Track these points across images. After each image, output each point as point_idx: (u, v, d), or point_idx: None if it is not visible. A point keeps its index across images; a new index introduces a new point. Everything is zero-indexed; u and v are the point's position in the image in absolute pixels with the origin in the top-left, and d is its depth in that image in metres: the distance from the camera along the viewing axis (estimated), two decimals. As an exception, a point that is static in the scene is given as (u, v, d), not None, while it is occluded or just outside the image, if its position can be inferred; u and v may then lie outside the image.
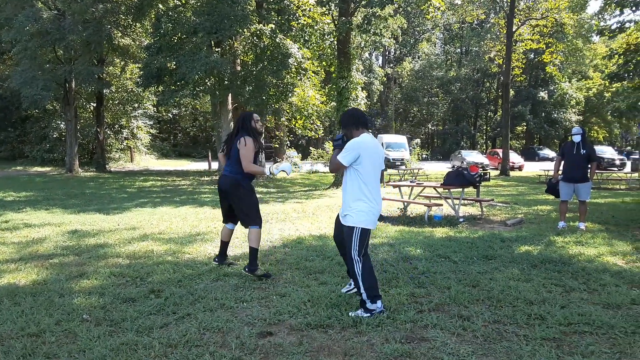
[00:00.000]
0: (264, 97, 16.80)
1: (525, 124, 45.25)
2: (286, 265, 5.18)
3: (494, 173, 25.78)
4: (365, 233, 3.56)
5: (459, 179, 8.12)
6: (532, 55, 38.96)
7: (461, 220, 8.10)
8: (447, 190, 8.44)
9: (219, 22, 14.32)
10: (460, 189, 8.39)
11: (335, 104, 17.96)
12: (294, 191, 15.46)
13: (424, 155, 32.03)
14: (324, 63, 21.29)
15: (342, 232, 3.72)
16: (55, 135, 26.88)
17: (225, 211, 5.01)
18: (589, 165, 7.29)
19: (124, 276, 4.76)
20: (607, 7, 18.63)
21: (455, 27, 48.25)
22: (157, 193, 14.45)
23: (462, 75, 49.10)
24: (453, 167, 31.97)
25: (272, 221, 8.65)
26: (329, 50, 19.42)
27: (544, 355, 2.83)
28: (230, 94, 16.89)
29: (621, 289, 4.04)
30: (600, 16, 22.08)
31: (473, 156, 32.22)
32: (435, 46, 55.14)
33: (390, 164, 27.23)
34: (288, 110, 20.60)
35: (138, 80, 20.71)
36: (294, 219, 8.97)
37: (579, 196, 7.34)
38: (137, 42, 21.49)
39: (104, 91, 23.77)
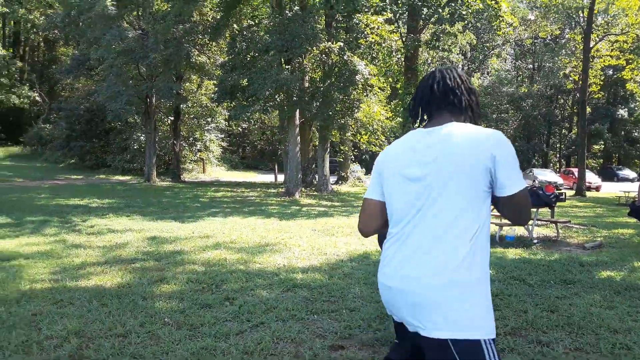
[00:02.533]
0: (330, 113, 17.07)
1: (602, 142, 42.71)
2: (354, 279, 5.23)
3: (569, 193, 24.49)
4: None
5: (534, 198, 7.82)
6: (610, 72, 36.90)
7: (535, 241, 7.79)
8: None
9: (290, 41, 14.79)
10: (535, 209, 8.09)
11: (401, 119, 17.94)
12: (358, 205, 15.49)
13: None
14: (390, 79, 21.35)
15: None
16: (135, 147, 28.65)
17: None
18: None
19: (200, 282, 5.01)
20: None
21: (527, 42, 46.66)
22: (227, 203, 14.99)
23: (534, 91, 47.20)
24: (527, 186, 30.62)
25: (338, 234, 8.75)
26: (395, 66, 19.47)
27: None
28: (298, 110, 17.32)
29: None
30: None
31: (546, 175, 30.83)
32: (505, 62, 53.49)
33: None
34: (353, 126, 20.77)
35: (212, 95, 21.73)
36: (356, 233, 9.01)
37: (667, 221, 6.87)
38: (212, 60, 22.60)
39: (181, 106, 25.13)
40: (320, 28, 16.33)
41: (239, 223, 10.08)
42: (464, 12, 13.47)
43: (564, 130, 50.63)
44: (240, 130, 41.76)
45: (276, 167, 30.05)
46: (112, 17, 17.18)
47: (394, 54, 17.42)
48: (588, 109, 45.40)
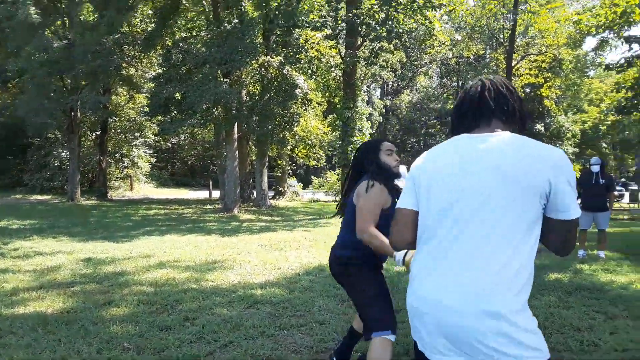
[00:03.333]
0: (269, 127, 16.93)
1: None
2: (315, 293, 5.10)
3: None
4: None
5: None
6: (527, 89, 39.74)
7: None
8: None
9: (228, 54, 14.54)
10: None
11: (339, 134, 18.14)
12: (298, 219, 15.39)
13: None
14: (327, 94, 21.61)
15: None
16: (56, 164, 26.80)
17: None
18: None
19: (153, 304, 4.66)
20: (603, 44, 19.28)
21: (452, 61, 49.33)
22: (162, 221, 14.33)
23: (459, 107, 49.88)
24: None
25: (286, 249, 8.59)
26: (333, 82, 19.74)
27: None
28: (236, 124, 17.02)
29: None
30: (596, 53, 22.68)
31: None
32: (432, 79, 56.14)
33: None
34: (292, 140, 20.75)
35: (142, 109, 20.86)
36: (307, 246, 8.92)
37: (598, 225, 7.35)
38: (142, 73, 21.74)
39: (109, 120, 23.89)
40: (259, 42, 16.23)
41: (179, 241, 9.62)
42: (400, 30, 13.90)
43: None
44: (169, 145, 40.43)
45: (210, 183, 29.30)
46: (36, 26, 16.02)
47: (332, 69, 17.64)
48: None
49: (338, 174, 25.89)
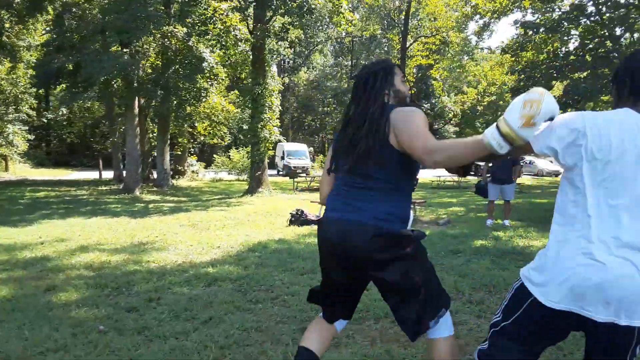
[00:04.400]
0: (174, 102, 16.18)
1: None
2: (271, 268, 5.15)
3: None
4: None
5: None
6: (414, 70, 42.28)
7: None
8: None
9: (130, 22, 13.52)
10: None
11: (249, 110, 17.86)
12: (207, 199, 15.04)
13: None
14: (232, 69, 21.08)
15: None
16: None
17: (340, 296, 2.15)
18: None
19: (103, 287, 4.40)
20: (484, 28, 21.25)
21: (347, 40, 50.47)
22: (56, 204, 13.17)
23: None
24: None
25: (212, 228, 8.43)
26: (239, 56, 19.28)
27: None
28: (137, 98, 16.00)
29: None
30: (479, 36, 24.78)
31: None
32: (327, 58, 57.09)
33: (292, 172, 27.59)
34: (197, 117, 20.02)
35: (30, 80, 18.64)
36: (233, 225, 8.83)
37: (504, 196, 8.23)
38: (22, 40, 19.36)
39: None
40: (163, 10, 15.28)
41: (88, 224, 8.96)
42: (312, 6, 13.94)
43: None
44: (44, 122, 36.62)
45: (100, 162, 27.23)
46: None
47: (240, 43, 17.21)
48: (397, 104, 51.22)
49: (242, 152, 25.56)
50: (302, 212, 8.81)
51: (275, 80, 18.95)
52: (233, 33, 15.75)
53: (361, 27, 29.05)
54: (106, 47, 13.63)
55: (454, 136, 49.80)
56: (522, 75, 14.16)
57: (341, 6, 15.57)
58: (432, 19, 26.69)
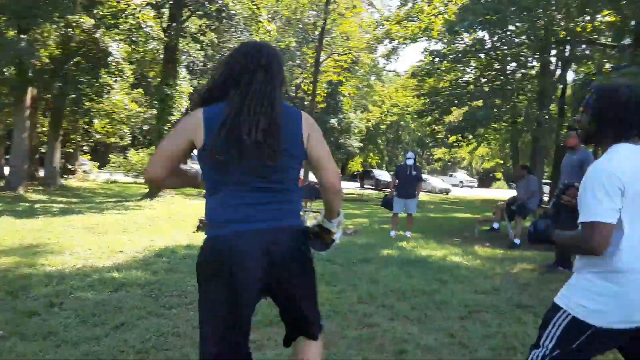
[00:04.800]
0: (73, 96, 15.09)
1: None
2: (183, 273, 4.98)
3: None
4: (592, 335, 1.72)
5: (312, 192, 8.83)
6: (325, 85, 43.40)
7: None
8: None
9: (28, 7, 12.40)
10: (310, 201, 9.11)
11: (156, 111, 17.16)
12: (101, 202, 14.11)
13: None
14: (138, 67, 20.17)
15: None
16: None
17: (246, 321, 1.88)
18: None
19: (-6, 291, 3.99)
20: (392, 52, 22.61)
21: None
22: None
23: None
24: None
25: (110, 232, 7.95)
26: (148, 54, 18.49)
27: (459, 324, 3.55)
28: (30, 89, 14.67)
29: (480, 280, 5.16)
30: (387, 59, 26.23)
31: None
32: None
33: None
34: (96, 114, 18.80)
35: None
36: (132, 230, 8.42)
37: (408, 209, 8.75)
38: None
39: None
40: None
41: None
42: (232, 11, 13.82)
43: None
44: None
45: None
46: None
47: (151, 41, 16.53)
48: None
49: (142, 154, 24.34)
50: (212, 217, 8.63)
51: (186, 82, 18.42)
52: (144, 30, 15.12)
53: (276, 37, 29.27)
54: (0, 31, 12.34)
55: (358, 151, 51.70)
56: (427, 99, 15.24)
57: (260, 15, 15.61)
58: (345, 38, 27.65)
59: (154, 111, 17.49)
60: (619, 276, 1.68)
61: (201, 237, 5.68)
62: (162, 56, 17.28)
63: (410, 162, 8.66)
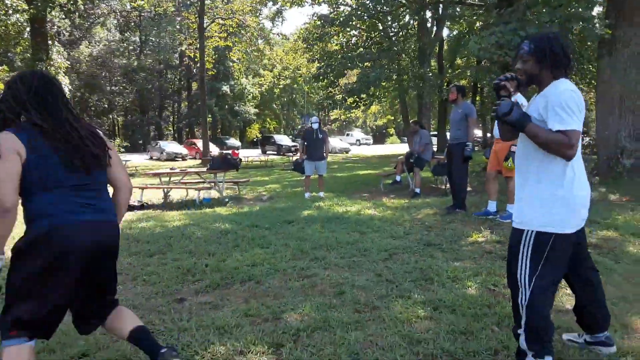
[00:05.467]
0: None
1: (211, 115, 48.42)
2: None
3: (193, 162, 27.29)
4: (559, 242, 2.16)
5: (225, 162, 8.93)
6: (211, 51, 41.92)
7: (226, 200, 8.96)
8: (212, 175, 9.13)
9: None
10: (223, 172, 9.22)
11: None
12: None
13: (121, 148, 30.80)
14: (2, 42, 18.09)
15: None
16: None
17: (73, 299, 2.20)
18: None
19: None
20: (276, 16, 22.68)
21: (133, 15, 47.07)
22: None
23: (146, 65, 48.63)
24: (152, 157, 31.91)
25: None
26: (12, 28, 16.66)
27: (382, 265, 4.12)
28: None
29: (393, 227, 5.81)
30: (273, 21, 26.15)
31: (172, 146, 32.98)
32: (111, 32, 52.38)
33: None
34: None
35: None
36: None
37: (319, 171, 9.25)
38: None
39: None
40: None
41: None
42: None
43: (175, 104, 54.35)
44: None
45: None
46: None
47: (12, 14, 14.92)
48: (194, 85, 50.32)
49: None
50: (123, 198, 8.43)
51: (62, 56, 17.04)
52: (6, 2, 13.63)
53: (152, 2, 27.61)
54: None
55: (255, 117, 51.30)
56: (322, 63, 15.69)
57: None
58: (227, 1, 26.94)
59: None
60: (564, 185, 2.14)
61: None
62: (28, 29, 15.81)
63: (315, 126, 9.09)
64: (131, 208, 8.23)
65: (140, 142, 48.40)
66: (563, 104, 2.08)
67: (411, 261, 4.34)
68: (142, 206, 8.55)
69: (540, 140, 2.10)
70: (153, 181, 11.33)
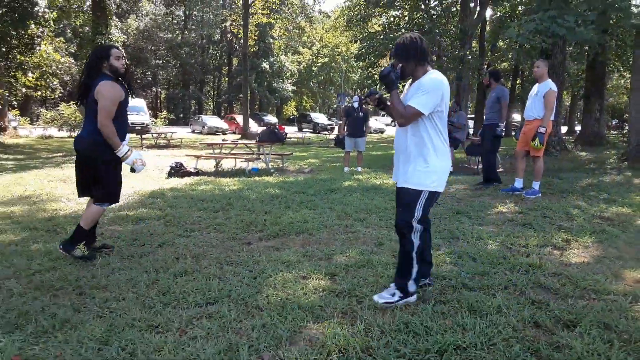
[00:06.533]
0: (4, 49, 14.55)
1: (250, 91, 49.41)
2: (184, 208, 5.85)
3: (233, 137, 28.31)
4: (434, 197, 2.93)
5: (272, 136, 9.70)
6: (254, 27, 42.57)
7: (272, 170, 9.76)
8: (260, 147, 9.92)
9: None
10: (270, 145, 10.00)
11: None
12: (49, 157, 14.07)
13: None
14: (64, 15, 19.27)
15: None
16: None
17: (80, 182, 3.88)
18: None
19: (36, 230, 4.69)
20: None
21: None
22: None
23: (190, 40, 49.81)
24: (194, 131, 33.13)
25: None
26: (74, 1, 17.77)
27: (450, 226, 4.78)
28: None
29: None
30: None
31: (214, 121, 34.08)
32: (157, 6, 53.76)
33: (130, 129, 26.40)
34: (28, 67, 18.04)
35: None
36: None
37: (358, 147, 9.91)
38: None
39: None
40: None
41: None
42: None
43: (216, 79, 55.67)
44: None
45: None
46: None
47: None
48: (235, 61, 51.33)
49: (74, 107, 23.61)
50: (181, 164, 9.34)
51: (119, 30, 18.04)
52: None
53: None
54: None
55: (292, 95, 51.96)
56: (364, 44, 16.17)
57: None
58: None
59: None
60: (439, 154, 2.84)
61: (175, 181, 6.64)
62: (88, 3, 16.80)
63: (356, 104, 9.71)
64: (188, 174, 9.14)
65: (181, 115, 49.98)
66: (422, 89, 2.77)
67: (441, 224, 5.01)
68: (198, 173, 9.44)
69: (391, 104, 2.85)
70: (207, 151, 12.25)
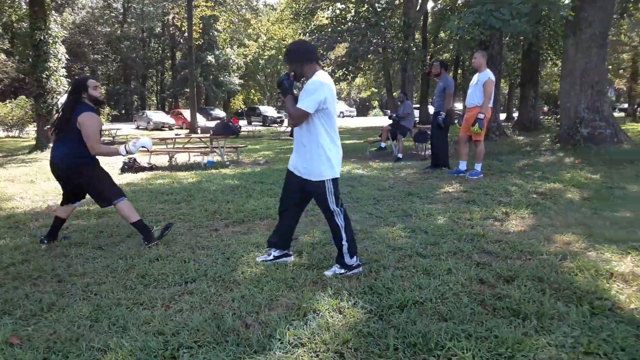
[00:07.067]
0: None
1: (196, 86, 48.52)
2: (144, 202, 5.95)
3: (181, 132, 27.89)
4: (336, 182, 3.26)
5: (226, 129, 9.81)
6: (198, 20, 41.76)
7: (227, 163, 9.88)
8: (212, 140, 10.00)
9: None
10: (224, 138, 10.10)
11: (30, 59, 16.15)
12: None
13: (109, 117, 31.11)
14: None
15: (297, 191, 3.42)
16: None
17: (68, 193, 4.21)
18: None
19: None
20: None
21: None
22: None
23: (130, 33, 48.25)
24: (139, 127, 32.35)
25: (38, 181, 8.33)
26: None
27: (372, 207, 5.15)
28: None
29: (379, 182, 6.85)
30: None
31: (159, 116, 33.38)
32: (94, -1, 51.60)
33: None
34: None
35: None
36: (52, 179, 8.77)
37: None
38: None
39: None
40: None
41: None
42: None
43: (158, 74, 54.21)
44: None
45: None
46: None
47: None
48: (178, 54, 50.20)
49: (10, 105, 22.52)
50: (134, 160, 9.30)
51: (58, 25, 17.42)
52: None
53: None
54: None
55: (239, 88, 51.46)
56: (314, 36, 16.46)
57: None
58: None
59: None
60: (335, 144, 3.21)
61: (129, 177, 6.72)
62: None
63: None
64: (142, 169, 9.12)
65: (123, 111, 48.44)
66: (306, 91, 3.08)
67: (395, 204, 5.40)
68: (152, 167, 9.42)
69: (286, 106, 3.15)
70: (159, 146, 12.14)
